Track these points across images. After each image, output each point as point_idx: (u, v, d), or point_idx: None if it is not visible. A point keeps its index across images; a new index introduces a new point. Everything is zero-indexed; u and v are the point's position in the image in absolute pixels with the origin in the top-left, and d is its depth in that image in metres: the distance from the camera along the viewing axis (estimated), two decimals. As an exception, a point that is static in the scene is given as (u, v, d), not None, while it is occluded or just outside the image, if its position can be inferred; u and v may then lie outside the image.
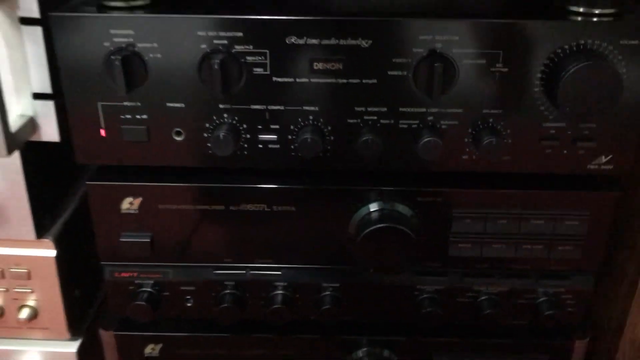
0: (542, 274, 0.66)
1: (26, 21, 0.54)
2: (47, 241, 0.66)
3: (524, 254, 0.64)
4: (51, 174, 0.68)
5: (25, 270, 0.67)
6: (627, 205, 0.67)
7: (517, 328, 0.72)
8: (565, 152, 0.58)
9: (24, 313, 0.70)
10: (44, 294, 0.69)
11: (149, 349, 0.72)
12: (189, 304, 0.68)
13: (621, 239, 0.68)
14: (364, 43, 0.54)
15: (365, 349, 0.71)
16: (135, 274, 0.67)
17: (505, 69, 0.55)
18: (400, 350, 0.71)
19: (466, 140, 0.58)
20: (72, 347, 0.73)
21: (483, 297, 0.67)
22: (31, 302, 0.70)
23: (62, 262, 0.68)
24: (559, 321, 0.68)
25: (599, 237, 0.63)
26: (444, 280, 0.67)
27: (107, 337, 0.72)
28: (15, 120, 0.57)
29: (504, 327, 0.71)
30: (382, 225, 0.60)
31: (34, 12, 0.54)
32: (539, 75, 0.55)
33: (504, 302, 0.67)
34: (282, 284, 0.67)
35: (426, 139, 0.56)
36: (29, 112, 0.58)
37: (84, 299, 0.76)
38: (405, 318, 0.69)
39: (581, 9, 0.55)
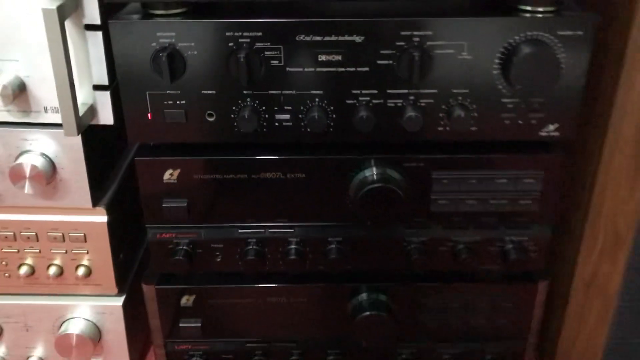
0: (508, 225, 0.80)
1: (89, 27, 0.68)
2: (101, 209, 0.80)
3: (492, 209, 0.78)
4: (103, 152, 0.82)
5: (82, 234, 0.81)
6: (576, 168, 0.81)
7: (491, 274, 0.86)
8: (520, 122, 0.73)
9: (80, 271, 0.83)
10: (97, 255, 0.83)
11: (184, 300, 0.86)
12: (218, 259, 0.82)
13: (573, 196, 0.82)
14: (358, 39, 0.68)
15: (364, 294, 0.85)
16: (173, 235, 0.81)
17: (470, 57, 0.69)
18: (393, 295, 0.85)
19: (441, 115, 0.72)
20: (119, 301, 0.87)
21: (460, 246, 0.81)
22: (86, 262, 0.83)
23: (112, 226, 0.82)
24: (524, 266, 0.82)
25: (553, 193, 0.77)
26: (428, 232, 0.81)
27: (148, 290, 0.85)
28: (80, 107, 0.71)
29: (479, 273, 0.86)
30: (375, 185, 0.74)
31: (96, 20, 0.68)
32: (496, 60, 0.69)
33: (478, 250, 0.81)
34: (295, 239, 0.81)
35: (409, 115, 0.70)
36: (90, 101, 0.72)
37: (127, 260, 0.90)
38: (397, 266, 0.83)
39: (528, 7, 0.69)
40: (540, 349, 0.91)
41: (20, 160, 0.73)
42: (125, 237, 0.88)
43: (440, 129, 0.73)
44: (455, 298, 0.86)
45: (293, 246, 0.81)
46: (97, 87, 0.72)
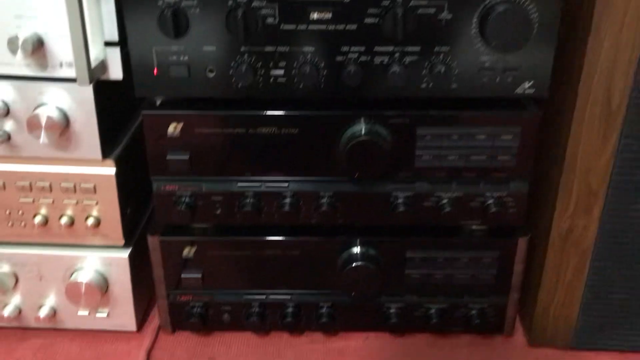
0: (487, 180, 0.86)
1: (102, -13, 0.75)
2: (110, 161, 0.86)
3: (472, 164, 0.84)
4: (115, 109, 0.88)
5: (92, 185, 0.87)
6: (552, 126, 0.87)
7: (475, 231, 0.92)
8: (498, 79, 0.78)
9: (90, 221, 0.89)
10: (105, 206, 0.89)
11: (186, 251, 0.92)
12: (217, 211, 0.88)
13: (549, 153, 0.88)
14: (347, -1, 0.75)
15: (353, 247, 0.91)
16: (176, 187, 0.87)
17: (450, 16, 0.75)
18: (382, 249, 0.91)
19: (424, 72, 0.78)
20: (125, 253, 0.93)
21: (444, 201, 0.87)
22: (95, 212, 0.89)
23: (120, 179, 0.88)
24: (504, 220, 0.88)
25: (529, 149, 0.83)
26: (413, 187, 0.86)
27: (153, 241, 0.91)
28: (92, 62, 0.77)
29: (463, 230, 0.92)
30: (360, 139, 0.80)
31: (108, -20, 0.75)
32: (474, 19, 0.75)
33: (460, 205, 0.86)
34: (289, 193, 0.87)
35: (393, 70, 0.77)
36: (101, 57, 0.79)
37: (134, 215, 0.96)
38: (384, 220, 0.88)
39: (504, -30, 0.75)
40: (522, 303, 0.95)
41: (37, 112, 0.80)
42: (134, 192, 0.94)
43: (423, 85, 0.79)
44: (439, 254, 0.91)
45: (287, 200, 0.87)
46: (108, 44, 0.78)
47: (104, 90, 0.82)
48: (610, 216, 0.85)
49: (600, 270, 0.88)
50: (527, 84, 0.79)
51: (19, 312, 0.95)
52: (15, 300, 0.95)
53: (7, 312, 0.94)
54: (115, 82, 0.82)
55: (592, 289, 0.89)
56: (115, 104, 0.88)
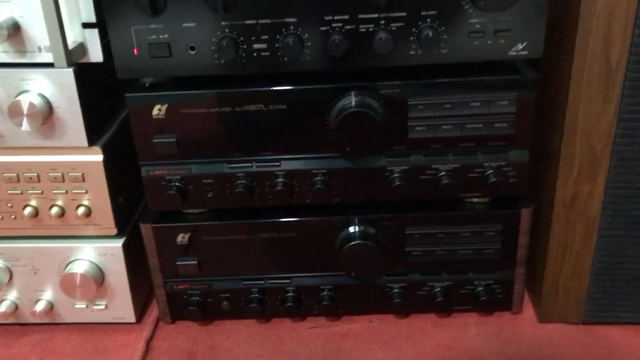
0: (485, 150, 0.83)
1: (76, -34, 0.74)
2: (97, 148, 0.84)
3: (468, 133, 0.81)
4: (100, 95, 0.86)
5: (80, 174, 0.86)
6: (550, 90, 0.83)
7: (476, 205, 0.89)
8: (489, 42, 0.75)
9: (80, 210, 0.88)
10: (95, 194, 0.87)
11: (180, 238, 0.89)
12: (209, 195, 0.86)
13: (548, 119, 0.84)
14: (328, -35, 0.72)
15: (351, 226, 0.88)
16: (165, 171, 0.85)
17: (435, -23, 0.72)
18: (380, 227, 0.88)
19: (411, 38, 0.75)
20: (119, 242, 0.92)
21: (441, 173, 0.84)
22: (86, 201, 0.87)
23: (109, 166, 0.86)
24: (505, 191, 0.85)
25: (527, 114, 0.80)
26: (408, 161, 0.83)
27: (146, 229, 0.89)
28: (70, 44, 0.76)
29: (463, 203, 0.89)
30: (351, 110, 0.77)
31: (82, -40, 0.73)
32: (461, -20, 0.72)
33: (458, 176, 0.83)
34: (281, 172, 0.85)
35: (379, 36, 0.74)
36: (80, 39, 0.77)
37: (128, 205, 0.94)
38: (381, 196, 0.86)
39: None
40: (529, 278, 0.92)
41: (18, 99, 0.78)
42: (126, 181, 0.92)
43: (412, 52, 0.76)
44: (441, 228, 0.88)
45: (280, 179, 0.85)
46: (86, 25, 0.76)
47: (86, 74, 0.81)
48: (616, 181, 0.81)
49: (609, 239, 0.84)
50: (520, 45, 0.76)
51: (16, 307, 0.94)
52: (11, 295, 0.94)
53: (3, 308, 0.93)
54: (99, 66, 0.80)
55: (601, 259, 0.86)
56: (101, 89, 0.86)
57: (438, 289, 0.92)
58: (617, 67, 0.75)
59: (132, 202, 0.96)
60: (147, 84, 0.82)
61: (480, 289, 0.92)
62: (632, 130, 0.78)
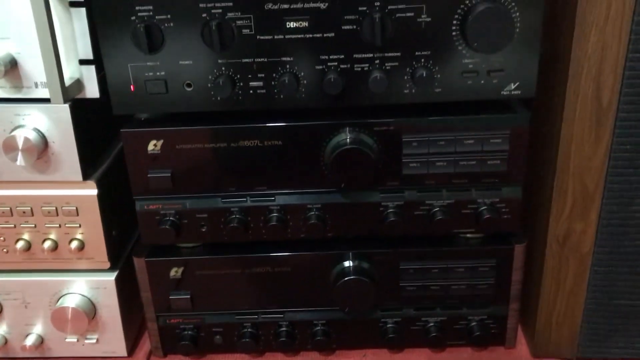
0: (479, 186, 0.83)
1: (74, 4, 0.74)
2: (91, 182, 0.84)
3: (462, 170, 0.81)
4: (95, 129, 0.86)
5: (74, 208, 0.85)
6: (542, 128, 0.84)
7: (470, 240, 0.89)
8: (482, 82, 0.76)
9: (74, 244, 0.87)
10: (89, 228, 0.86)
11: (173, 272, 0.89)
12: (203, 229, 0.86)
13: (541, 156, 0.85)
14: (323, 5, 0.73)
15: (345, 261, 0.88)
16: (160, 206, 0.85)
17: (429, 19, 0.73)
18: (375, 262, 0.88)
19: (406, 77, 0.76)
20: (112, 276, 0.91)
21: (435, 209, 0.84)
22: (79, 235, 0.87)
23: (103, 200, 0.86)
24: (498, 227, 0.85)
25: (520, 152, 0.80)
26: (402, 197, 0.84)
27: (139, 263, 0.89)
28: (67, 80, 0.76)
29: (458, 239, 0.89)
30: (346, 147, 0.78)
31: (80, -2, 0.74)
32: (454, 21, 0.73)
33: (451, 212, 0.84)
34: (275, 207, 0.85)
35: (374, 76, 0.74)
36: (77, 75, 0.78)
37: (121, 238, 0.94)
38: (375, 231, 0.86)
39: (482, -30, 0.73)
40: (523, 313, 0.92)
41: (13, 134, 0.78)
42: (119, 214, 0.92)
43: (406, 91, 0.77)
44: (435, 264, 0.88)
45: (274, 214, 0.85)
46: (83, 62, 0.77)
47: (82, 109, 0.81)
48: (608, 218, 0.82)
49: (602, 276, 0.85)
50: (513, 85, 0.77)
51: (5, 341, 0.93)
52: (0, 329, 0.93)
53: (-8, 341, 0.92)
54: (94, 101, 0.80)
55: (594, 294, 0.86)
56: (96, 124, 0.86)
57: (432, 323, 0.92)
58: (609, 106, 0.76)
59: (124, 234, 0.96)
60: (142, 118, 0.83)
61: (474, 324, 0.92)
62: (623, 168, 0.79)
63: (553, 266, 0.85)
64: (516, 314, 0.92)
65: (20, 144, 0.78)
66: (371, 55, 0.75)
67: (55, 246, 0.87)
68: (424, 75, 0.74)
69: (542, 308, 0.88)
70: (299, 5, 0.73)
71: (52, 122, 0.79)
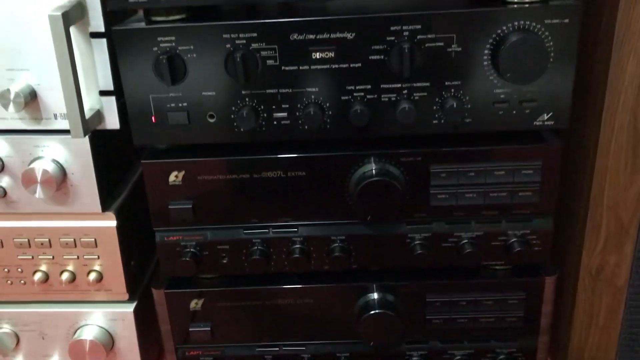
0: (509, 218, 0.81)
1: (95, 35, 0.72)
2: (110, 214, 0.83)
3: (492, 201, 0.79)
4: (114, 159, 0.85)
5: (93, 239, 0.84)
6: (576, 159, 0.81)
7: (498, 272, 0.86)
8: (514, 112, 0.74)
9: (92, 276, 0.86)
10: (107, 260, 0.85)
11: (193, 304, 0.87)
12: (224, 261, 0.84)
13: (574, 188, 0.83)
14: (349, 35, 0.71)
15: (370, 293, 0.86)
16: (180, 237, 0.83)
17: (459, 49, 0.71)
18: (400, 295, 0.86)
19: (435, 107, 0.74)
20: (130, 307, 0.89)
21: (464, 241, 0.82)
22: (97, 267, 0.86)
23: (122, 231, 0.84)
24: (529, 259, 0.82)
25: (552, 183, 0.78)
26: (430, 228, 0.81)
27: (158, 295, 0.87)
28: (87, 112, 0.74)
29: (486, 271, 0.86)
30: (372, 179, 0.75)
31: (101, 28, 0.72)
32: (486, 51, 0.71)
33: (481, 244, 0.81)
34: (298, 238, 0.82)
35: (402, 107, 0.72)
36: (97, 106, 0.76)
37: (139, 268, 0.92)
38: (401, 263, 0.83)
39: (515, -1, 0.71)
40: (553, 347, 0.89)
41: (32, 166, 0.76)
42: (137, 244, 0.90)
43: (435, 121, 0.75)
44: (462, 296, 0.85)
45: (297, 245, 0.82)
46: (103, 93, 0.75)
47: (101, 140, 0.79)
48: (643, 251, 0.79)
49: (637, 309, 0.82)
50: (546, 116, 0.74)
51: (22, 373, 0.91)
52: (17, 361, 0.91)
53: (9, 374, 0.90)
54: (113, 132, 0.78)
55: (629, 329, 0.83)
56: (115, 154, 0.85)
57: (459, 357, 0.89)
58: (645, 138, 0.73)
59: (142, 264, 0.94)
60: (161, 148, 0.81)
61: (502, 357, 0.89)
62: (660, 200, 0.76)
63: (585, 300, 0.83)
64: (546, 347, 0.89)
65: (39, 176, 0.76)
66: (399, 85, 0.73)
67: (73, 278, 0.86)
68: (455, 105, 0.72)
69: (574, 343, 0.85)
70: (325, 36, 0.71)
71: (71, 153, 0.78)
